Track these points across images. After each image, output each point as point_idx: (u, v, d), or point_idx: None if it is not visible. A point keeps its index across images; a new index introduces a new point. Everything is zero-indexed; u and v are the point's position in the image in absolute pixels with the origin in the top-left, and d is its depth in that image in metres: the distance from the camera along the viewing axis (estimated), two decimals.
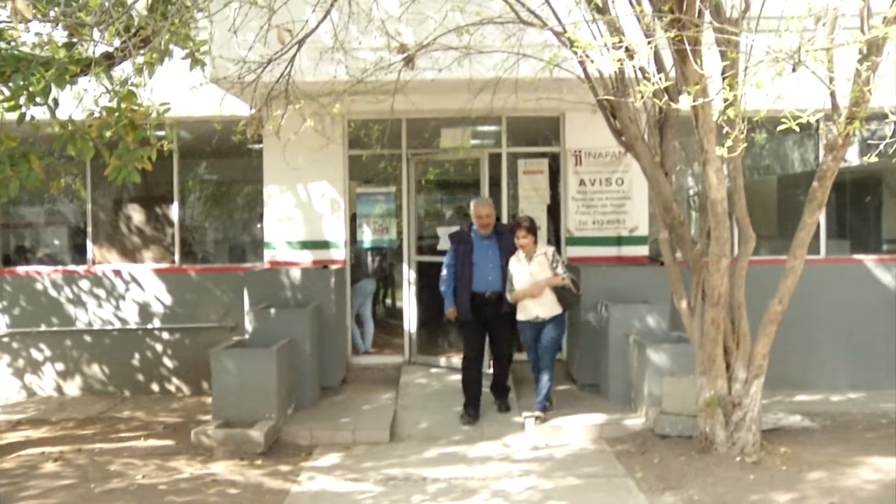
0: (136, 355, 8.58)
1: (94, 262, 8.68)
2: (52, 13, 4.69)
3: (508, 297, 6.77)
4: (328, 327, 7.84)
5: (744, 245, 5.80)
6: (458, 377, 8.07)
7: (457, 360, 8.48)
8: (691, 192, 8.85)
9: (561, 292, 6.70)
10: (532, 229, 6.72)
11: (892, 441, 6.22)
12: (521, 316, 6.82)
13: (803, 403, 7.45)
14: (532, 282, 6.68)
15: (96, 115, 5.85)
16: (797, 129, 3.80)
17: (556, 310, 6.72)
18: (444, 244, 9.23)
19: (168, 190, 8.66)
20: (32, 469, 5.97)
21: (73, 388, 8.60)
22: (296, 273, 7.90)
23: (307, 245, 8.27)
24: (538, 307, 6.73)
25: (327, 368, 7.86)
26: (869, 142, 7.47)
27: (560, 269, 6.71)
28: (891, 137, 4.42)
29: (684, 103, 4.78)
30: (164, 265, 8.67)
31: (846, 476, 5.35)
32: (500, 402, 7.28)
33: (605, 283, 7.68)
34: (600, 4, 5.21)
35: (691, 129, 5.45)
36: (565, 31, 4.97)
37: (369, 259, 9.12)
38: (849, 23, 4.96)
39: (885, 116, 4.29)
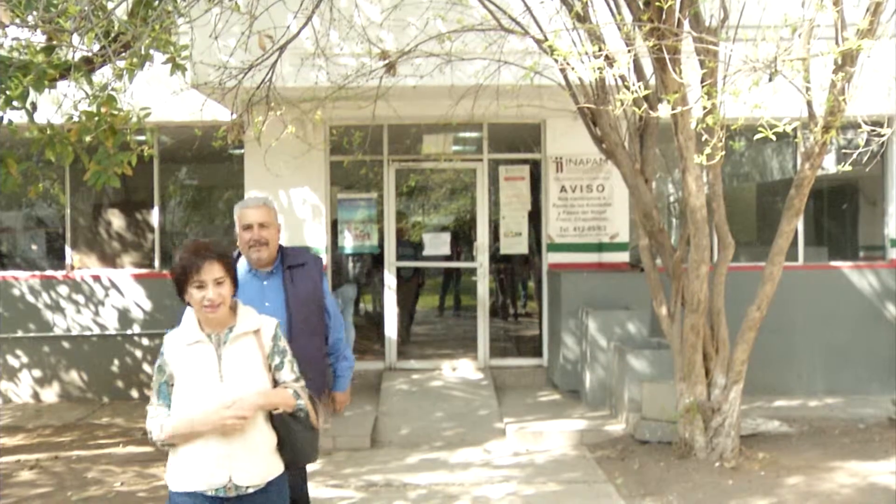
0: (116, 361, 8.50)
1: (72, 268, 8.60)
2: (30, 18, 4.65)
3: (165, 434, 2.85)
4: None
5: (723, 252, 5.85)
6: (440, 383, 8.09)
7: (440, 364, 8.50)
8: (671, 199, 8.91)
9: (286, 425, 2.97)
10: (229, 267, 2.91)
11: (868, 446, 6.28)
12: (182, 484, 2.89)
13: (781, 409, 7.51)
14: (224, 399, 2.83)
15: (76, 119, 5.81)
16: (774, 137, 3.85)
17: (273, 468, 2.97)
18: (431, 249, 9.26)
19: (148, 195, 8.60)
20: (8, 477, 5.90)
21: (50, 394, 8.51)
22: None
23: None
24: (233, 461, 2.86)
25: None
26: (844, 150, 7.57)
27: (287, 372, 3.01)
28: (865, 146, 4.48)
29: (664, 111, 4.82)
30: (144, 271, 8.60)
31: (823, 481, 5.40)
32: None
33: (586, 289, 7.72)
34: (581, 13, 5.25)
35: (671, 136, 5.50)
36: (546, 39, 5.00)
37: (350, 265, 9.11)
38: (825, 33, 5.02)
39: (860, 125, 4.36)
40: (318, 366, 3.88)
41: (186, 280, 2.82)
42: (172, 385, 2.88)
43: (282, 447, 2.97)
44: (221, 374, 2.86)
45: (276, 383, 2.98)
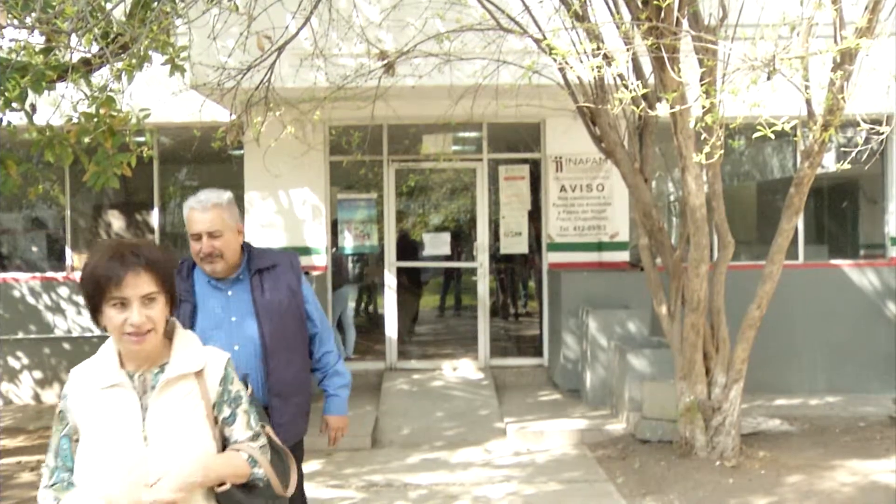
0: None
1: (72, 269, 8.60)
2: (28, 19, 4.65)
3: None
4: None
5: (723, 251, 5.85)
6: (440, 383, 8.09)
7: (440, 364, 8.49)
8: (671, 198, 8.91)
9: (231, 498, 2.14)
10: (164, 279, 2.07)
11: (869, 444, 6.28)
12: None
13: (782, 407, 7.50)
14: (145, 472, 2.02)
15: (75, 120, 5.81)
16: (773, 136, 3.85)
17: None
18: (431, 249, 9.26)
19: (148, 196, 8.60)
20: (8, 479, 5.90)
21: (51, 395, 8.51)
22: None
23: (288, 251, 8.23)
24: None
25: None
26: (844, 149, 7.56)
27: (241, 428, 2.19)
28: (864, 144, 4.48)
29: (663, 110, 4.81)
30: None
31: (824, 479, 5.40)
32: None
33: (586, 288, 7.71)
34: (579, 12, 5.25)
35: (670, 135, 5.49)
36: (545, 38, 5.00)
37: (351, 265, 9.10)
38: (823, 31, 5.02)
39: (860, 124, 4.36)
40: (303, 387, 3.24)
41: (101, 296, 2.00)
42: (77, 440, 2.06)
43: None
44: (145, 433, 2.02)
45: (225, 443, 2.16)
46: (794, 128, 4.08)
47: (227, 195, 3.15)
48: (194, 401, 2.10)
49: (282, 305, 3.13)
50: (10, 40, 5.53)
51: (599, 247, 8.29)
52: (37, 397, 8.52)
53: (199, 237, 3.05)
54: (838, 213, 9.08)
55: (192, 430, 2.08)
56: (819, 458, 5.84)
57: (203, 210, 3.07)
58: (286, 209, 8.21)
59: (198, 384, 2.11)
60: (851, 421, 7.00)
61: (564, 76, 5.82)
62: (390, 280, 8.63)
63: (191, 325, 2.99)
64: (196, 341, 2.19)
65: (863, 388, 8.04)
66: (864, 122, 4.32)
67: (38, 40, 5.71)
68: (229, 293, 3.11)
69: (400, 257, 8.72)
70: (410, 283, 9.36)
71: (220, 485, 2.09)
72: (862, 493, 5.16)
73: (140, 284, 1.99)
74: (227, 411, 2.16)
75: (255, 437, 2.21)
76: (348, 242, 8.72)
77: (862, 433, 6.64)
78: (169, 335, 2.14)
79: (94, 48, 5.38)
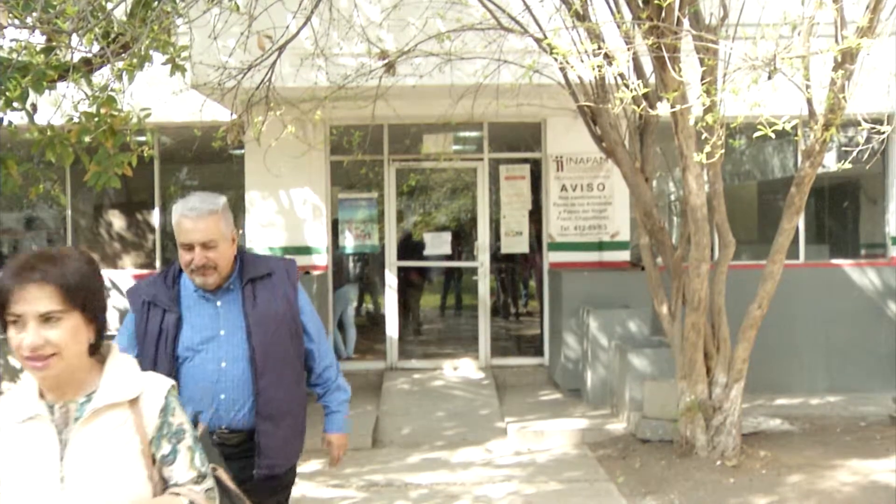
0: None
1: None
2: (29, 19, 4.65)
3: None
4: None
5: (724, 250, 5.85)
6: (441, 382, 8.10)
7: (441, 363, 8.49)
8: (672, 197, 8.91)
9: None
10: (74, 297, 1.76)
11: (869, 444, 6.28)
12: None
13: (783, 407, 7.50)
14: None
15: (75, 120, 5.81)
16: (774, 135, 3.85)
17: None
18: (432, 248, 9.26)
19: (149, 196, 8.60)
20: None
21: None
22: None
23: (289, 251, 8.24)
24: None
25: None
26: (845, 148, 7.56)
27: (183, 468, 1.89)
28: (865, 144, 4.48)
29: (663, 110, 4.81)
30: (146, 271, 8.59)
31: (824, 479, 5.40)
32: None
33: (587, 288, 7.71)
34: (580, 11, 5.25)
35: (671, 135, 5.49)
36: (546, 38, 5.00)
37: (351, 265, 9.11)
38: (824, 31, 5.02)
39: (861, 123, 4.36)
40: (296, 406, 2.93)
41: (1, 312, 1.74)
42: None
43: None
44: (63, 472, 1.74)
45: (164, 485, 1.86)
46: (794, 127, 4.08)
47: (221, 200, 2.83)
48: (127, 435, 1.80)
49: (275, 318, 2.83)
50: (12, 40, 5.53)
51: (600, 246, 8.29)
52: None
53: (190, 248, 2.72)
54: (839, 213, 9.07)
55: (121, 468, 1.77)
56: (820, 458, 5.84)
57: (197, 218, 2.72)
58: (287, 209, 8.21)
59: (132, 415, 1.81)
60: (852, 420, 6.99)
61: (565, 75, 5.82)
62: (391, 279, 8.63)
63: (175, 338, 2.77)
64: (133, 366, 1.89)
65: (863, 387, 8.02)
66: (865, 121, 4.32)
67: (38, 40, 5.71)
68: (218, 304, 2.82)
69: (401, 257, 8.72)
70: (411, 282, 9.37)
71: None
72: (863, 492, 5.16)
73: (38, 301, 1.70)
74: (166, 447, 1.84)
75: (200, 478, 1.89)
76: (349, 242, 8.72)
77: (863, 433, 6.64)
78: (101, 359, 1.86)
79: (95, 48, 5.38)
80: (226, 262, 2.78)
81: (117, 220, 8.91)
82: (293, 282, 2.94)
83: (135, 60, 5.63)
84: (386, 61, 5.86)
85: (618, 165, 6.08)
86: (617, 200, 8.24)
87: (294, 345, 2.91)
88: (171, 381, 1.92)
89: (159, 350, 2.77)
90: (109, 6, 4.87)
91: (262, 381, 2.77)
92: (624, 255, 8.28)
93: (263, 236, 8.22)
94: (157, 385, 1.88)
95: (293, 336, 2.90)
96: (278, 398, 2.81)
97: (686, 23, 5.18)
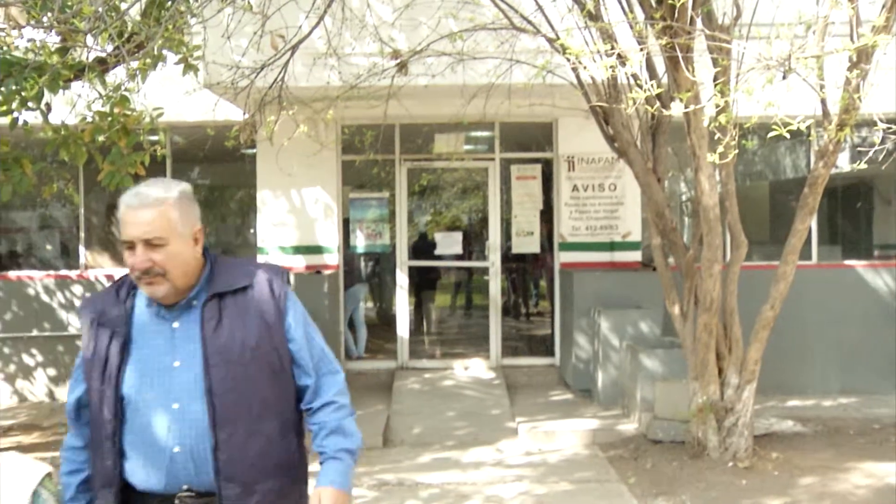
0: None
1: (86, 267, 8.65)
2: (45, 19, 4.68)
3: None
4: (321, 332, 7.83)
5: (736, 251, 5.82)
6: (452, 382, 8.10)
7: (452, 363, 8.50)
8: (684, 197, 8.88)
9: None
10: None
11: (883, 446, 6.24)
12: None
13: (795, 408, 7.46)
14: None
15: (89, 119, 5.85)
16: (788, 135, 3.83)
17: None
18: (443, 248, 9.25)
19: None
20: None
21: (65, 393, 8.56)
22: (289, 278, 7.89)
23: (300, 250, 8.27)
24: None
25: None
26: (859, 148, 7.51)
27: None
28: (880, 144, 4.45)
29: (676, 110, 4.80)
30: None
31: (838, 481, 5.37)
32: None
33: (598, 288, 7.69)
34: (593, 11, 5.24)
35: (684, 135, 5.47)
36: (558, 38, 5.00)
37: (362, 264, 9.12)
38: (839, 30, 4.99)
39: (875, 123, 4.33)
40: (279, 468, 2.16)
41: None
42: None
43: None
44: None
45: None
46: (808, 127, 4.06)
47: (178, 188, 2.14)
48: None
49: (246, 347, 2.11)
50: (28, 40, 5.57)
51: (612, 246, 8.27)
52: (51, 394, 8.57)
53: (130, 246, 2.07)
54: (852, 214, 9.02)
55: None
56: (833, 460, 5.81)
57: (139, 207, 2.07)
58: (298, 208, 8.24)
59: None
60: (865, 422, 6.95)
61: (577, 76, 5.81)
62: (402, 279, 8.64)
63: (118, 369, 2.09)
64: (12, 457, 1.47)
65: (877, 389, 7.98)
66: (881, 121, 4.29)
67: (53, 40, 5.75)
68: (175, 325, 2.13)
69: (412, 256, 8.73)
70: (422, 282, 9.37)
71: None
72: (877, 495, 5.13)
73: None
74: None
75: None
76: (360, 241, 8.73)
77: (876, 435, 6.60)
78: None
79: (110, 47, 5.41)
80: (180, 268, 2.09)
81: None
82: (278, 298, 2.20)
83: (148, 60, 5.67)
84: (398, 61, 5.87)
85: (630, 165, 6.06)
86: (629, 200, 8.22)
87: (278, 384, 2.17)
88: (47, 469, 1.54)
89: (105, 386, 2.09)
90: (124, 6, 4.90)
91: (223, 431, 2.06)
92: (635, 256, 8.26)
93: (275, 235, 8.24)
94: (29, 473, 1.52)
95: (276, 372, 2.16)
96: (248, 456, 2.08)
97: (699, 22, 5.16)
